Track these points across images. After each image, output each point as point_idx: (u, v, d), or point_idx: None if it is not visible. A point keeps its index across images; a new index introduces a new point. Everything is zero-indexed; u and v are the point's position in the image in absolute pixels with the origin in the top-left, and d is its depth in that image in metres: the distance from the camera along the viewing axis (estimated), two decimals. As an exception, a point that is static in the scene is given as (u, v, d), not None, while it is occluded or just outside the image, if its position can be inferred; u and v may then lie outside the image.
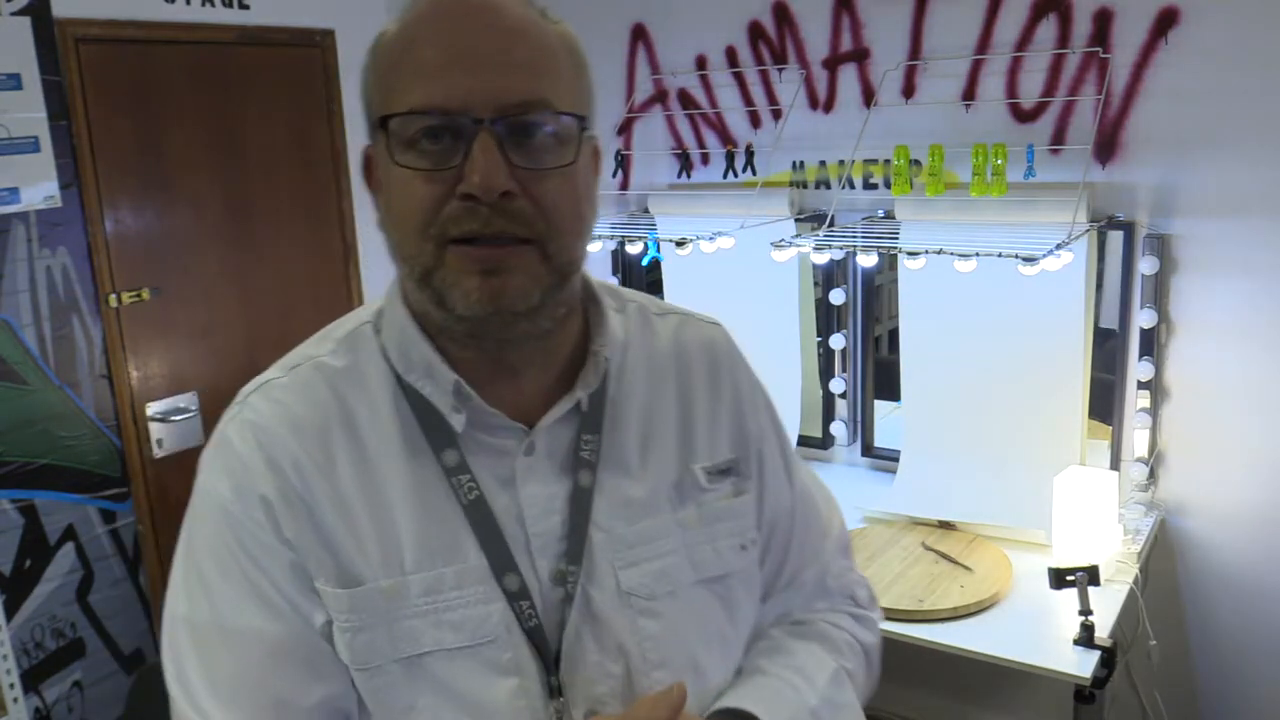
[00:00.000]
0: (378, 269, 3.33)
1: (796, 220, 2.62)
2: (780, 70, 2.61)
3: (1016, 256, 1.98)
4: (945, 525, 2.35)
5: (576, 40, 0.80)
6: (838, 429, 2.76)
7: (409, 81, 0.73)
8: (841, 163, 2.55)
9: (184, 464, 2.88)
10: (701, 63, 2.74)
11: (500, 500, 0.81)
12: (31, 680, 2.57)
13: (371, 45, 0.78)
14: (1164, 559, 2.32)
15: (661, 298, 1.08)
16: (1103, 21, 2.16)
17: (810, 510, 1.00)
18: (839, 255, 2.45)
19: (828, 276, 2.67)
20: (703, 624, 0.87)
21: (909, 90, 2.43)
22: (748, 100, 2.68)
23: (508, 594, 0.79)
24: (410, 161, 0.73)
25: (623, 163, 2.94)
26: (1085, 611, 1.85)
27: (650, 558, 0.84)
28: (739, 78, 2.67)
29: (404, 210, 0.74)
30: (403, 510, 0.79)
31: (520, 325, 0.76)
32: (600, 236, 2.73)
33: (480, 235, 0.72)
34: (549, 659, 0.80)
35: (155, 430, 2.80)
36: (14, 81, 2.41)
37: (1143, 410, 2.26)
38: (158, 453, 2.81)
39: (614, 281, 2.91)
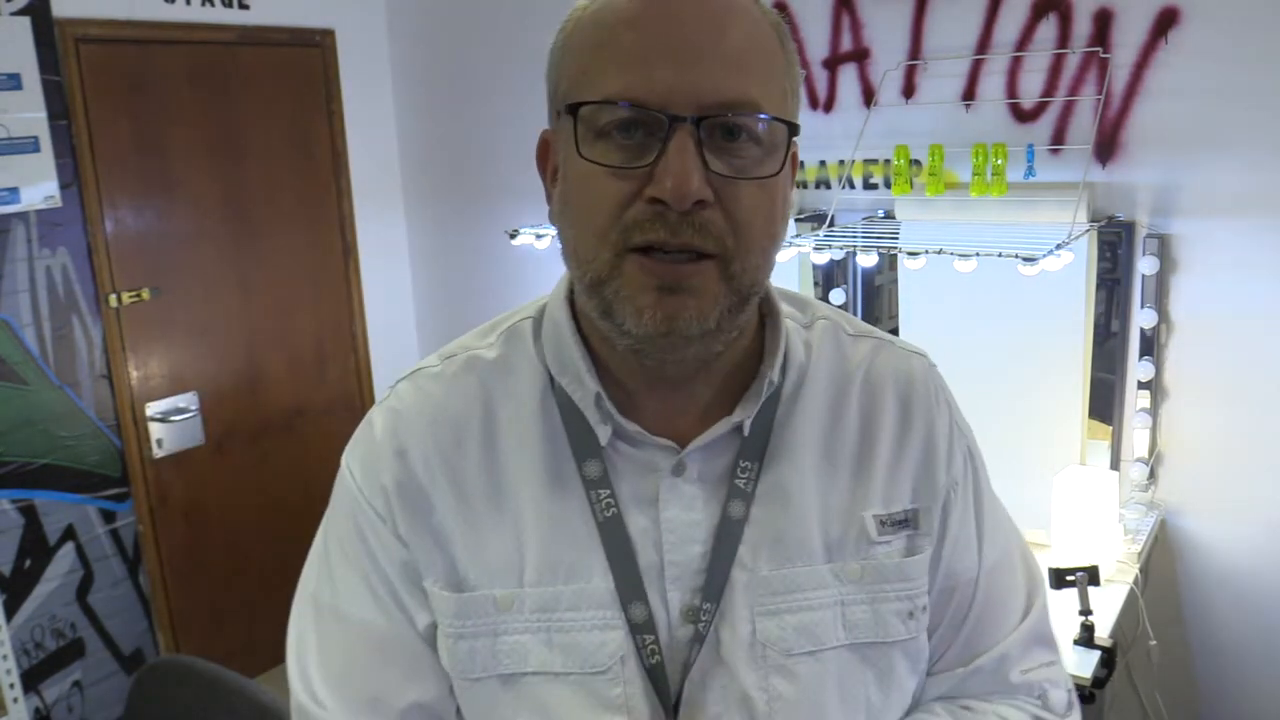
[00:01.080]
0: (378, 268, 3.33)
1: (796, 220, 2.62)
2: (780, 70, 2.60)
3: (1016, 256, 1.98)
4: (945, 525, 2.34)
5: (788, 33, 0.72)
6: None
7: (606, 67, 0.66)
8: (841, 163, 2.55)
9: (184, 464, 2.88)
10: (701, 63, 2.73)
11: (638, 521, 0.74)
12: (31, 680, 2.57)
13: (564, 22, 0.71)
14: (1164, 559, 2.32)
15: None
16: (1103, 21, 2.16)
17: (1002, 586, 0.85)
18: (839, 255, 2.45)
19: (828, 276, 2.66)
20: (845, 692, 0.76)
21: (909, 90, 2.43)
22: (748, 100, 2.67)
23: (631, 624, 0.73)
24: (598, 155, 0.66)
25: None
26: (1085, 611, 1.85)
27: (795, 609, 0.75)
28: (739, 78, 2.66)
29: (585, 207, 0.68)
30: (532, 518, 0.75)
31: (690, 349, 0.69)
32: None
33: (665, 245, 0.65)
34: (667, 702, 0.73)
35: (155, 430, 2.80)
36: (14, 81, 2.41)
37: (1143, 410, 2.26)
38: (158, 453, 2.81)
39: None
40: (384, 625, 0.76)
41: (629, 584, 0.73)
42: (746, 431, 0.76)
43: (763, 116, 0.66)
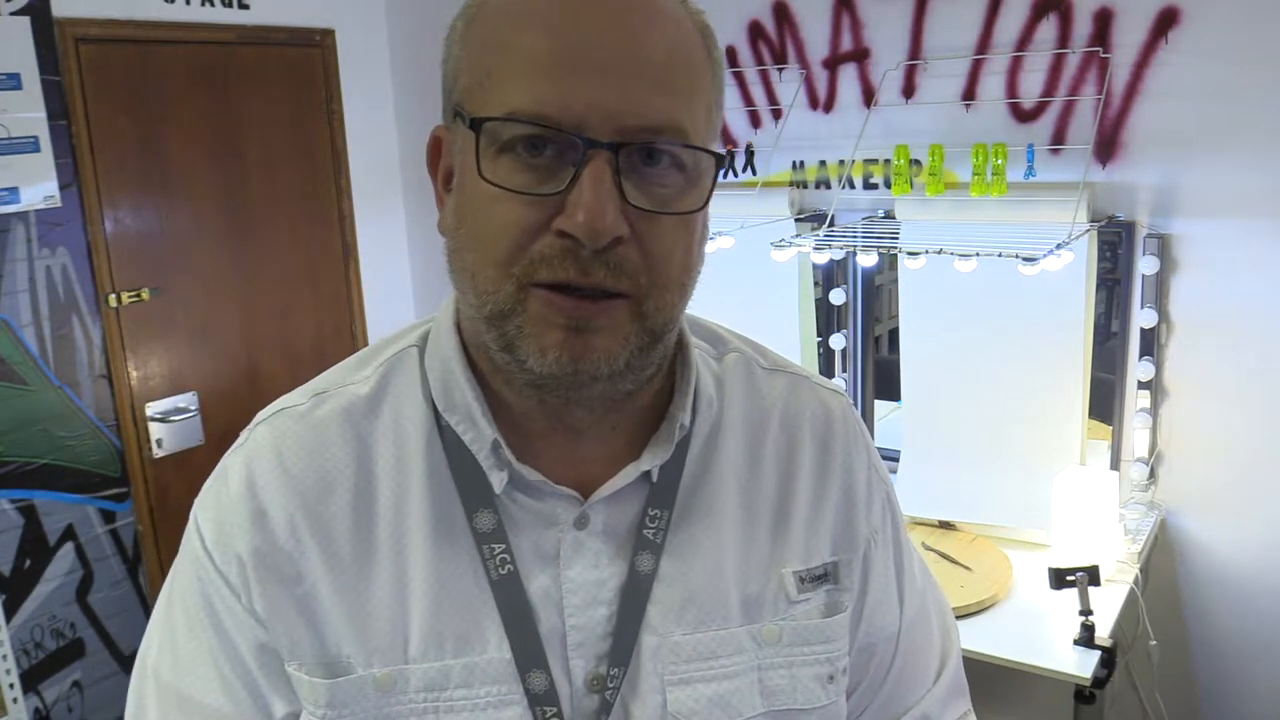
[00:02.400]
0: (378, 269, 3.33)
1: (796, 220, 2.62)
2: (780, 70, 2.60)
3: (1016, 256, 1.98)
4: (945, 525, 2.35)
5: (715, 37, 0.64)
6: (838, 429, 2.75)
7: (513, 73, 0.58)
8: (841, 163, 2.55)
9: (184, 464, 2.88)
10: (701, 63, 2.73)
11: (538, 580, 0.67)
12: (31, 680, 2.57)
13: (467, 4, 0.63)
14: (1164, 559, 2.32)
15: None
16: (1103, 21, 2.16)
17: (921, 640, 0.81)
18: (839, 255, 2.45)
19: (828, 276, 2.66)
20: None
21: (909, 90, 2.43)
22: (748, 100, 2.68)
23: (530, 696, 0.65)
24: (501, 176, 0.59)
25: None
26: (1085, 611, 1.85)
27: (710, 677, 0.68)
28: (739, 77, 2.66)
29: (485, 234, 0.60)
30: (417, 581, 0.66)
31: (597, 388, 0.63)
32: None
33: (574, 284, 0.59)
34: None
35: (155, 430, 2.80)
36: (14, 81, 2.41)
37: (1143, 410, 2.26)
38: (157, 453, 2.81)
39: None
40: (233, 714, 0.67)
41: (528, 652, 0.66)
42: (655, 478, 0.70)
43: (698, 151, 0.61)
